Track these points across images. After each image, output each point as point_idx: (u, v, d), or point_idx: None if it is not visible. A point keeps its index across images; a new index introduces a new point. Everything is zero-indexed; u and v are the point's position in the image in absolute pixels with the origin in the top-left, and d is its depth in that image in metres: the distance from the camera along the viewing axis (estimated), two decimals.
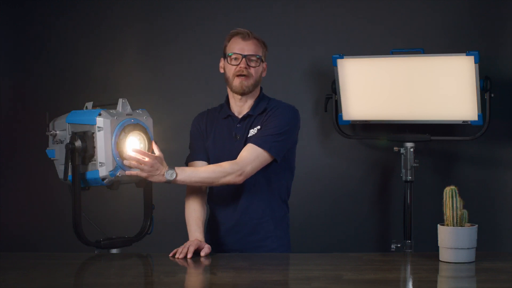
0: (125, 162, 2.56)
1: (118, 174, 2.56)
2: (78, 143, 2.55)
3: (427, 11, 3.85)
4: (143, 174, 2.58)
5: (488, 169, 3.82)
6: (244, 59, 2.74)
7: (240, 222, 2.77)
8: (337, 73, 3.65)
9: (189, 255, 2.51)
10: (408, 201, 3.64)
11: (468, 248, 2.32)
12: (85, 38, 4.12)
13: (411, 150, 3.62)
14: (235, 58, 2.76)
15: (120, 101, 2.63)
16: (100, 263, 2.58)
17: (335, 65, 3.63)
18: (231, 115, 2.83)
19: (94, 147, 2.54)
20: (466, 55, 3.41)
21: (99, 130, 2.53)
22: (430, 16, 3.84)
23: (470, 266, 2.30)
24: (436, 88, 3.53)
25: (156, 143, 2.69)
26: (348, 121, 3.74)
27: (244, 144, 2.76)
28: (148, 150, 2.65)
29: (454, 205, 2.34)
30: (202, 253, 2.56)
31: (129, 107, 2.65)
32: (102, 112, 2.55)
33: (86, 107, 2.69)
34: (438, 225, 2.37)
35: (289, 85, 3.95)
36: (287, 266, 2.45)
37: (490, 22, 3.79)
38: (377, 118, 3.69)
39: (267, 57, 2.85)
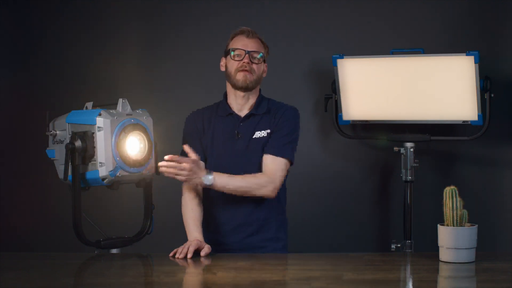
0: (162, 169, 2.55)
1: (118, 174, 2.56)
2: (78, 143, 2.55)
3: (427, 11, 3.85)
4: (182, 178, 2.58)
5: (488, 169, 3.82)
6: (247, 55, 2.75)
7: (245, 222, 2.77)
8: (337, 73, 3.65)
9: (189, 255, 2.51)
10: (408, 201, 3.64)
11: (468, 248, 2.32)
12: (85, 38, 4.11)
13: (411, 150, 3.62)
14: (238, 54, 2.76)
15: (120, 101, 2.63)
16: (100, 263, 2.58)
17: (335, 65, 3.63)
18: (232, 114, 2.83)
19: (94, 147, 2.54)
20: (466, 55, 3.41)
21: (99, 130, 2.53)
22: (430, 16, 3.84)
23: (470, 266, 2.30)
24: (436, 88, 3.53)
25: (156, 143, 2.69)
26: (348, 121, 3.74)
27: (248, 144, 2.75)
28: (148, 150, 2.65)
29: (454, 205, 2.34)
30: (202, 253, 2.56)
31: (129, 107, 2.65)
32: (102, 112, 2.55)
33: (86, 107, 2.69)
34: (438, 225, 2.37)
35: (289, 85, 3.94)
36: (287, 266, 2.46)
37: (490, 22, 3.79)
38: (377, 118, 3.69)
39: (267, 58, 2.85)
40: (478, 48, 3.45)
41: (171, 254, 2.55)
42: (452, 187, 2.37)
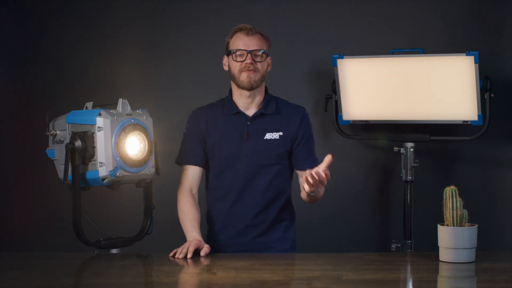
0: (307, 190, 2.52)
1: (118, 174, 2.56)
2: (78, 143, 2.55)
3: (427, 11, 3.85)
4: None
5: (488, 169, 3.82)
6: (249, 55, 2.71)
7: (253, 224, 2.76)
8: (337, 73, 3.65)
9: (189, 255, 2.51)
10: (408, 201, 3.64)
11: (468, 248, 2.32)
12: (85, 38, 4.11)
13: (411, 150, 3.62)
14: (240, 55, 2.72)
15: (120, 101, 2.63)
16: (100, 263, 2.58)
17: (335, 65, 3.63)
18: (239, 112, 2.79)
19: (94, 147, 2.54)
20: (466, 55, 3.41)
21: (99, 130, 2.53)
22: (430, 16, 3.84)
23: (470, 266, 2.30)
24: (436, 88, 3.53)
25: (156, 143, 2.69)
26: (348, 121, 3.74)
27: (258, 145, 2.73)
28: (148, 150, 2.65)
29: (454, 205, 2.34)
30: (202, 253, 2.55)
31: (129, 107, 2.65)
32: (102, 112, 2.55)
33: (86, 107, 2.69)
34: (438, 225, 2.37)
35: (289, 85, 3.94)
36: (287, 266, 2.45)
37: (490, 22, 3.79)
38: (377, 118, 3.69)
39: (271, 50, 2.83)
40: (478, 48, 3.45)
41: (171, 254, 2.55)
42: (452, 187, 2.37)
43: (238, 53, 2.73)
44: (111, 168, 2.54)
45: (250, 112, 2.79)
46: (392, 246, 3.64)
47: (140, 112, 2.68)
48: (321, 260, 2.51)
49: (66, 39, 4.13)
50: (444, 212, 2.36)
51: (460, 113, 3.55)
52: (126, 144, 2.58)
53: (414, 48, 3.62)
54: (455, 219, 2.34)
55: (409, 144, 3.63)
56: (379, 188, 3.92)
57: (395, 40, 3.83)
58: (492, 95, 3.56)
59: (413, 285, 2.18)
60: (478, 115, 3.49)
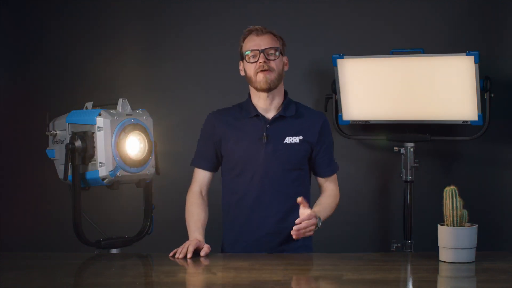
0: (294, 235, 2.51)
1: (118, 174, 2.56)
2: (78, 143, 2.55)
3: (427, 11, 3.84)
4: (311, 233, 2.57)
5: (488, 169, 3.82)
6: (262, 54, 2.68)
7: (274, 231, 2.72)
8: (337, 73, 3.65)
9: (189, 255, 2.51)
10: (408, 201, 3.64)
11: (468, 248, 2.32)
12: (85, 37, 4.11)
13: (411, 150, 3.62)
14: (253, 56, 2.70)
15: (120, 101, 2.63)
16: (100, 263, 2.58)
17: (335, 65, 3.63)
18: (258, 115, 2.75)
19: (94, 147, 2.54)
20: (466, 55, 3.41)
21: (99, 130, 2.53)
22: (430, 16, 3.84)
23: (470, 266, 2.30)
24: (436, 88, 3.53)
25: (156, 143, 2.69)
26: (348, 121, 3.74)
27: (277, 148, 2.69)
28: (148, 150, 2.65)
29: (454, 205, 2.34)
30: (202, 253, 2.55)
31: (129, 107, 2.65)
32: (102, 112, 2.55)
33: (86, 107, 2.69)
34: (438, 225, 2.37)
35: (289, 85, 3.91)
36: (287, 266, 2.45)
37: (490, 22, 3.79)
38: (377, 118, 3.69)
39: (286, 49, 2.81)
40: (478, 48, 3.45)
41: (171, 254, 2.54)
42: (452, 187, 2.37)
43: (251, 54, 2.70)
44: (111, 168, 2.54)
45: (270, 115, 2.76)
46: (392, 246, 3.64)
47: (140, 112, 2.68)
48: (321, 260, 2.52)
49: (66, 39, 4.13)
50: (444, 212, 2.36)
51: (460, 113, 3.55)
52: (126, 144, 2.58)
53: (414, 48, 3.62)
54: (455, 219, 2.34)
55: (409, 144, 3.63)
56: (379, 188, 3.92)
57: (395, 40, 3.83)
58: (492, 95, 3.56)
59: (413, 285, 2.18)
60: (478, 115, 3.49)
